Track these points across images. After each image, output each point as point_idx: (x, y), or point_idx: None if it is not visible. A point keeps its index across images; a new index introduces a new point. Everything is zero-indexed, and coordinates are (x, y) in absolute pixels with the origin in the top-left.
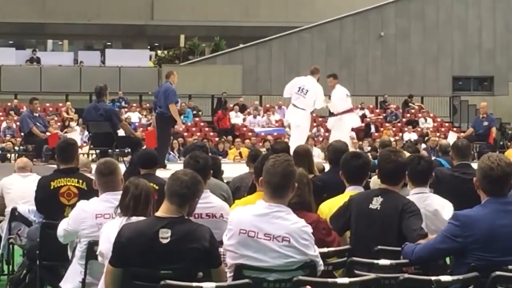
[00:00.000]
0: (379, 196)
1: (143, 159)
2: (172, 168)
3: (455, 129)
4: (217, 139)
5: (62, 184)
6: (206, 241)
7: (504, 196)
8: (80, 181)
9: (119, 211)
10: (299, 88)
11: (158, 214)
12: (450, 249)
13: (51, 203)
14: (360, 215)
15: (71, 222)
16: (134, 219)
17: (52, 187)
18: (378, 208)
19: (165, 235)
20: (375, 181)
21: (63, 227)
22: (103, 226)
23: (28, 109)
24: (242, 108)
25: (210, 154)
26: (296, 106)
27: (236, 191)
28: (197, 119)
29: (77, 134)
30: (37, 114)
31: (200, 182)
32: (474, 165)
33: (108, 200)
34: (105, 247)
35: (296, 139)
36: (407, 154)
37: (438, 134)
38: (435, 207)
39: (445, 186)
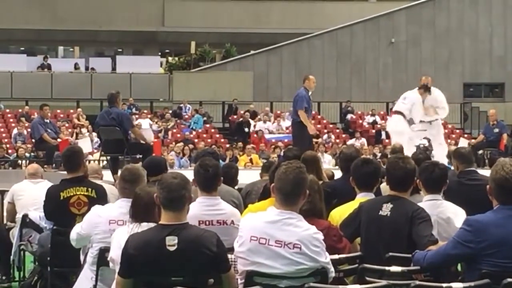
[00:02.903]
0: (388, 203)
1: (150, 166)
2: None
3: (466, 135)
4: (228, 145)
5: (72, 194)
6: (213, 246)
7: None
8: (90, 189)
9: (129, 218)
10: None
11: (162, 222)
12: (462, 255)
13: (61, 214)
14: (370, 222)
15: (84, 226)
16: (144, 225)
17: (61, 198)
18: (388, 215)
19: (172, 242)
20: (385, 188)
21: (77, 230)
22: (114, 232)
23: (39, 116)
24: (253, 115)
25: (222, 161)
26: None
27: (247, 197)
28: (208, 125)
29: (88, 140)
30: (48, 120)
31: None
32: (482, 172)
33: (123, 207)
34: (116, 253)
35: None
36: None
37: (449, 140)
38: (448, 215)
39: (452, 193)
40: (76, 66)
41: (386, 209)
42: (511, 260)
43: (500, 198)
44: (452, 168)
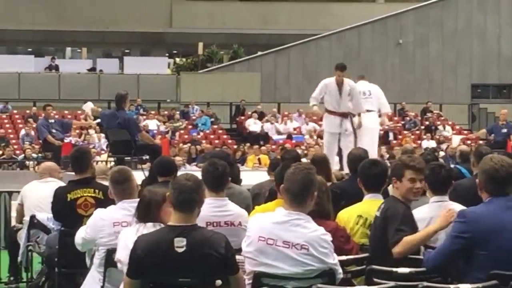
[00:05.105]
0: (383, 204)
1: (160, 166)
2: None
3: (473, 137)
4: (235, 146)
5: (79, 196)
6: (221, 248)
7: (508, 195)
8: (97, 190)
9: (136, 218)
10: (360, 92)
11: (171, 223)
12: (461, 249)
13: (68, 215)
14: (373, 223)
15: (89, 230)
16: (150, 225)
17: (69, 199)
18: (378, 215)
19: (180, 244)
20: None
21: (81, 235)
22: (120, 233)
23: (43, 117)
24: (261, 116)
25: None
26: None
27: (255, 198)
28: (215, 126)
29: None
30: (52, 120)
31: (202, 182)
32: None
33: (126, 208)
34: (123, 253)
35: (372, 142)
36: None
37: (456, 141)
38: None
39: (466, 198)
40: (91, 69)
41: (378, 210)
42: (509, 249)
43: (490, 189)
44: (463, 169)
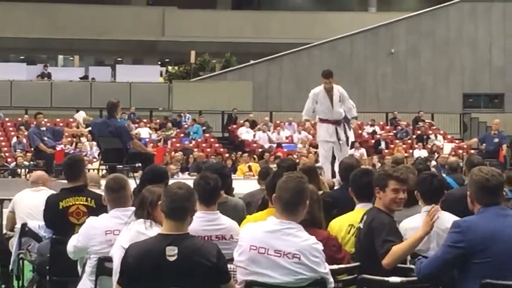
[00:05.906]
0: (365, 216)
1: (151, 174)
2: None
3: (465, 146)
4: (227, 155)
5: (71, 204)
6: (213, 256)
7: (499, 205)
8: (89, 199)
9: (132, 217)
10: None
11: (162, 231)
12: (454, 258)
13: (60, 223)
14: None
15: (81, 238)
16: (140, 221)
17: (61, 207)
18: (361, 226)
19: (171, 252)
20: None
21: (73, 243)
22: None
23: (35, 125)
24: (253, 124)
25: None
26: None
27: (247, 207)
28: (207, 135)
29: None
30: (44, 128)
31: (194, 191)
32: None
33: (118, 217)
34: (115, 252)
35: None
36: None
37: (446, 151)
38: (446, 225)
39: (456, 207)
40: (84, 77)
41: (361, 221)
42: (503, 256)
43: (482, 199)
44: (449, 179)
